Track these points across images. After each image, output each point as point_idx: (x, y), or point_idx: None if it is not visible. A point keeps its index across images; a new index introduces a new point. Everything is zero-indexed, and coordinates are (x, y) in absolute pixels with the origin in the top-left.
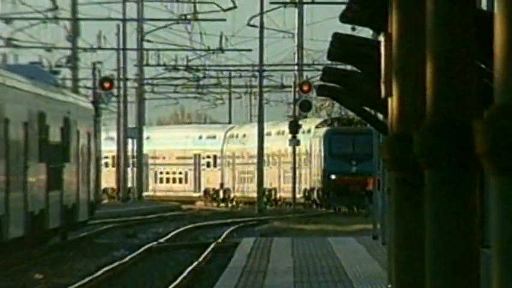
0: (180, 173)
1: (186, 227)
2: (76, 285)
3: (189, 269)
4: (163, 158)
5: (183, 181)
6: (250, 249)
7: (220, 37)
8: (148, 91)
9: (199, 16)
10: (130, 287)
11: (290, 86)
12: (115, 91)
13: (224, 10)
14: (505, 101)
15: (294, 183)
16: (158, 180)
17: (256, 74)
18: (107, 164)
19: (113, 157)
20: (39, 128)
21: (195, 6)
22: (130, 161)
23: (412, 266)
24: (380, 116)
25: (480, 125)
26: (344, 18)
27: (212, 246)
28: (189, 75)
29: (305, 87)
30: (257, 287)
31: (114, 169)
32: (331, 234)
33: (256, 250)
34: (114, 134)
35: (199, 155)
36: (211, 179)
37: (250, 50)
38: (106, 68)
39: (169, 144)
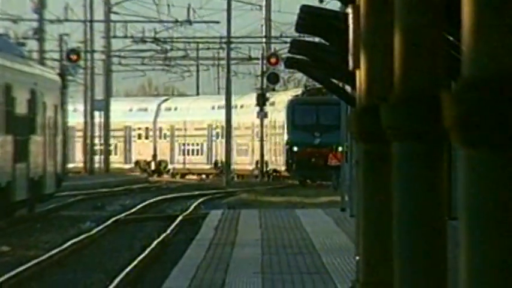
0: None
1: (153, 200)
2: (43, 257)
3: (157, 241)
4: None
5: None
6: (218, 221)
7: (188, 9)
8: (115, 63)
9: None
10: (97, 259)
11: (258, 58)
12: (82, 63)
13: None
14: (473, 73)
15: (261, 155)
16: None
17: (224, 46)
18: (140, 136)
19: (146, 129)
20: (5, 99)
21: None
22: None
23: (380, 238)
24: (348, 88)
25: (448, 97)
26: None
27: (180, 218)
28: (156, 47)
29: (273, 60)
30: (225, 259)
31: (147, 141)
32: (299, 206)
33: (224, 222)
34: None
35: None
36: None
37: (218, 22)
38: (73, 40)
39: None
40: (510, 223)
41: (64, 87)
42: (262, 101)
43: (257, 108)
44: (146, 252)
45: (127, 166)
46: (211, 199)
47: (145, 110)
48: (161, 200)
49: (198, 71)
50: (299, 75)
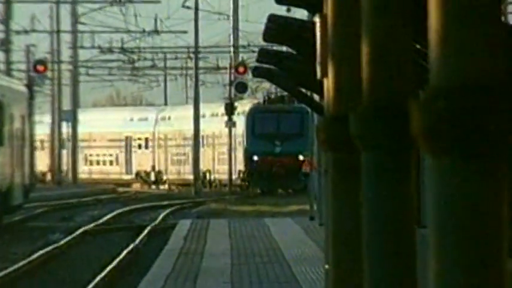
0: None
1: (121, 210)
2: (11, 269)
3: (126, 251)
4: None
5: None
6: (187, 231)
7: (155, 19)
8: (83, 74)
9: None
10: (66, 270)
11: (226, 68)
12: (49, 74)
13: None
14: (440, 82)
15: (230, 165)
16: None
17: (192, 55)
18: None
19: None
20: None
21: None
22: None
23: (349, 248)
24: (316, 97)
25: (416, 106)
26: None
27: (148, 228)
28: (124, 57)
29: (241, 69)
30: (194, 269)
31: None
32: (268, 215)
33: (193, 232)
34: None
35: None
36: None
37: (185, 32)
38: (40, 50)
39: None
40: (479, 231)
41: (31, 98)
42: (230, 110)
43: (222, 118)
44: (115, 262)
45: (128, 177)
46: (180, 209)
47: (146, 119)
48: (130, 211)
49: (166, 80)
50: (267, 84)
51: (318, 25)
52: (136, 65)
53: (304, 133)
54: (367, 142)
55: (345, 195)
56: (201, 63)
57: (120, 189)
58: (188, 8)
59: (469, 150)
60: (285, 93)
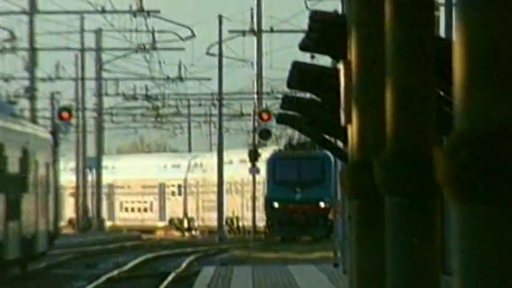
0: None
1: (146, 257)
2: None
3: None
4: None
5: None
6: (211, 278)
7: (179, 66)
8: (107, 121)
9: (158, 45)
10: None
11: (249, 115)
12: (74, 121)
13: (183, 39)
14: (464, 128)
15: (253, 211)
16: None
17: (216, 102)
18: (173, 193)
19: (179, 186)
20: None
21: (153, 36)
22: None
23: None
24: (340, 143)
25: (440, 153)
26: (303, 46)
27: (172, 275)
28: (148, 104)
29: (264, 116)
30: None
31: (180, 197)
32: (292, 262)
33: (217, 279)
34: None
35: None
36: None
37: (209, 79)
38: (64, 97)
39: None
40: (504, 278)
41: (56, 145)
42: (253, 157)
43: (247, 165)
44: None
45: (161, 224)
46: (204, 256)
47: (179, 166)
48: (154, 257)
49: (189, 127)
50: (291, 130)
51: (341, 72)
52: (161, 111)
53: (326, 180)
54: (391, 188)
55: (368, 241)
56: (225, 110)
57: (145, 235)
58: (212, 55)
59: (493, 196)
60: (307, 139)
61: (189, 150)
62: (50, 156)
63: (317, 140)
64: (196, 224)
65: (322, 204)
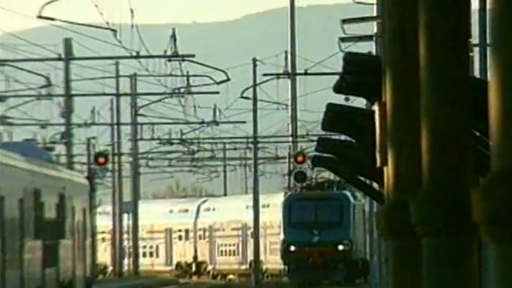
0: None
1: None
2: None
3: None
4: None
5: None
6: None
7: (214, 110)
8: (143, 165)
9: (193, 89)
10: None
11: (284, 157)
12: (110, 166)
13: (217, 83)
14: (501, 168)
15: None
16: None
17: (251, 145)
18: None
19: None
20: (34, 204)
21: (188, 80)
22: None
23: None
24: (375, 185)
25: (477, 194)
26: (337, 88)
27: None
28: (183, 148)
29: (299, 158)
30: None
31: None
32: None
33: None
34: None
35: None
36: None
37: (244, 122)
38: (100, 143)
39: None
40: None
41: (92, 191)
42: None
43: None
44: None
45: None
46: None
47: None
48: None
49: (225, 171)
50: (326, 173)
51: (376, 113)
52: (196, 155)
53: (344, 221)
54: (428, 229)
55: (406, 282)
56: (260, 153)
57: (181, 280)
58: (247, 98)
59: None
60: (324, 180)
61: (225, 194)
62: (86, 201)
63: (352, 181)
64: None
65: (340, 247)
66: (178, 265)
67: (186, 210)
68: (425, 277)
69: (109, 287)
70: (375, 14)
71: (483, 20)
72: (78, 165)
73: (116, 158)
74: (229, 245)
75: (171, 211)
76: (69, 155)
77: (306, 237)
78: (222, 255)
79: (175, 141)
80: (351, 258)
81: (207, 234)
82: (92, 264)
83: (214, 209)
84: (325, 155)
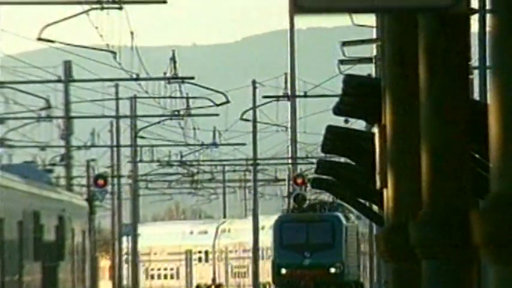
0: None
1: None
2: None
3: None
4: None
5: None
6: None
7: (214, 132)
8: (142, 187)
9: (192, 111)
10: None
11: (284, 180)
12: (109, 188)
13: (217, 105)
14: (501, 190)
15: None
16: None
17: (250, 168)
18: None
19: (206, 252)
20: (33, 226)
21: (187, 102)
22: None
23: None
24: (375, 207)
25: (477, 216)
26: (337, 110)
27: None
28: (183, 170)
29: (299, 180)
30: None
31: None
32: None
33: None
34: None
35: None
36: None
37: (244, 144)
38: (100, 165)
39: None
40: None
41: (92, 213)
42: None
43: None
44: None
45: None
46: None
47: (206, 232)
48: None
49: (224, 193)
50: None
51: (376, 136)
52: (195, 177)
53: (336, 243)
54: (428, 251)
55: None
56: (259, 175)
57: None
58: (246, 120)
59: None
60: (316, 201)
61: (224, 216)
62: (86, 223)
63: (352, 204)
64: None
65: (332, 270)
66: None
67: (206, 232)
68: None
69: None
70: (374, 37)
71: (483, 42)
72: (77, 187)
73: (116, 180)
74: (241, 266)
75: (191, 232)
76: (68, 177)
77: (297, 259)
78: (235, 277)
79: (174, 163)
80: (343, 280)
81: (223, 256)
82: (92, 286)
83: (229, 231)
84: (324, 177)
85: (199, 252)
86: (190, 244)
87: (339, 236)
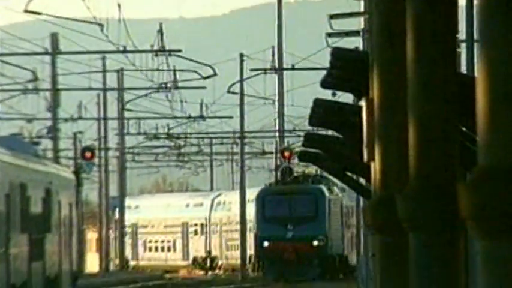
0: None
1: None
2: None
3: None
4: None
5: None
6: None
7: (201, 105)
8: (129, 160)
9: (180, 84)
10: None
11: (271, 153)
12: (96, 161)
13: (204, 78)
14: (488, 163)
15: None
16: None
17: (238, 141)
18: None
19: (201, 225)
20: (20, 199)
21: (175, 75)
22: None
23: None
24: (362, 180)
25: (464, 189)
26: (325, 83)
27: None
28: (170, 143)
29: (286, 154)
30: None
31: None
32: None
33: None
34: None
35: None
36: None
37: (231, 117)
38: (87, 137)
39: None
40: None
41: (79, 185)
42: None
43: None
44: None
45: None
46: None
47: (201, 205)
48: None
49: (211, 166)
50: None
51: (364, 109)
52: (183, 150)
53: (319, 216)
54: (414, 224)
55: (392, 278)
56: (246, 148)
57: (168, 275)
58: (234, 93)
59: None
60: (299, 173)
61: (211, 189)
62: (73, 196)
63: (339, 177)
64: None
65: (315, 243)
66: (194, 260)
67: (201, 204)
68: (413, 272)
69: (94, 282)
70: (362, 10)
71: (470, 15)
72: (64, 160)
73: (103, 153)
74: (233, 239)
75: (187, 205)
76: (55, 149)
77: (280, 232)
78: (228, 250)
79: (162, 136)
80: (326, 253)
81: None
82: (78, 258)
83: (224, 203)
84: (312, 150)
85: (195, 225)
86: (187, 216)
87: (322, 208)
